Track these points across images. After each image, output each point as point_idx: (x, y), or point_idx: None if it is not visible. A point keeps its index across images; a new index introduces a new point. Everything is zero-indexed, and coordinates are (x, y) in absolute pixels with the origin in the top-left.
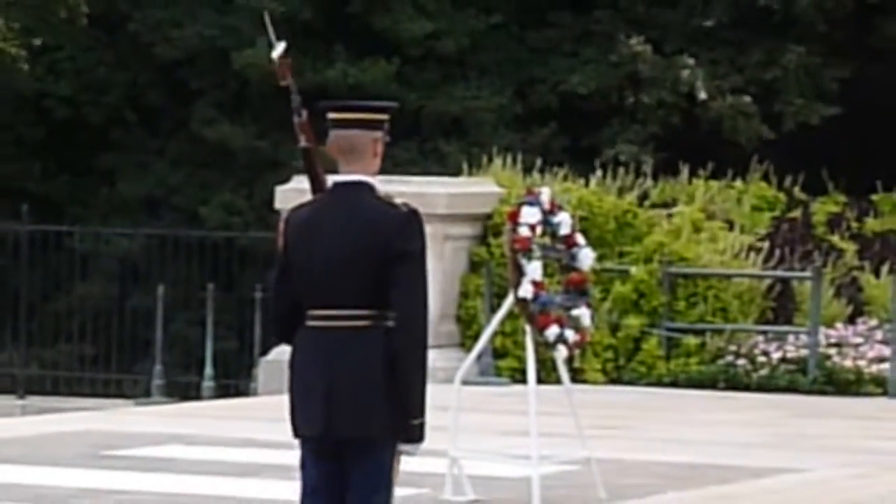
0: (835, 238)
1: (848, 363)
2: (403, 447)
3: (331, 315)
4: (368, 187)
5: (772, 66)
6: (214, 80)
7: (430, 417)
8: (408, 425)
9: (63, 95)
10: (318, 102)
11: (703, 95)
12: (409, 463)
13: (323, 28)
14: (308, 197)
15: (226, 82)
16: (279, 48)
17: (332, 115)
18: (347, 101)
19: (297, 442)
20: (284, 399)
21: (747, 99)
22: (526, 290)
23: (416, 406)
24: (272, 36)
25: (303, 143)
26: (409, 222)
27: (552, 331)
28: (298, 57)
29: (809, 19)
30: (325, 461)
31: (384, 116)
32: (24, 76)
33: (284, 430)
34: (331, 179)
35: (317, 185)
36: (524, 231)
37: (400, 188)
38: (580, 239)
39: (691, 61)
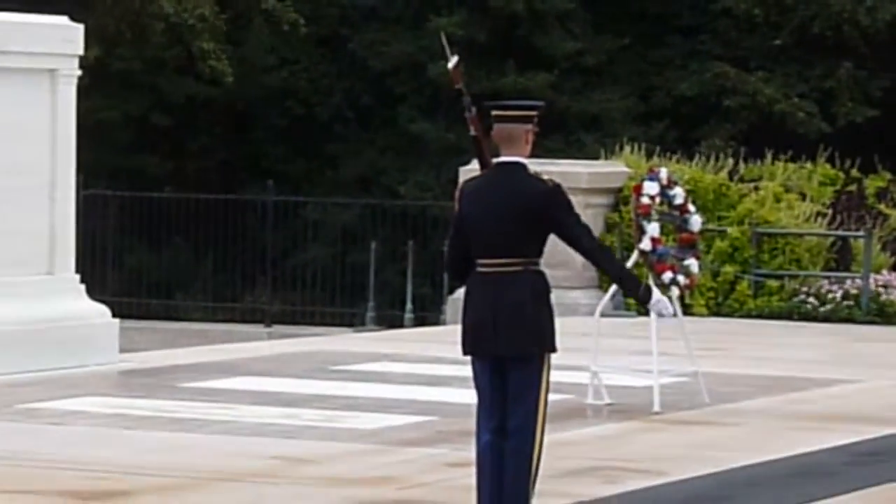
0: (882, 206)
1: (893, 299)
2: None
3: (494, 263)
4: (522, 166)
5: (829, 78)
6: (413, 87)
7: (575, 342)
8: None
9: (300, 97)
10: (484, 102)
11: (764, 100)
12: (557, 375)
13: (496, 47)
14: (477, 173)
15: (422, 88)
16: (453, 60)
17: (494, 113)
18: (506, 101)
19: (469, 359)
20: None
21: (810, 102)
22: (646, 245)
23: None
24: (447, 51)
25: (472, 132)
26: (555, 193)
27: (667, 275)
28: (477, 69)
29: (854, 43)
30: (492, 371)
31: (533, 113)
32: (230, 85)
33: None
34: (494, 160)
35: (483, 164)
36: (645, 200)
37: (553, 169)
38: (691, 207)
39: (760, 74)
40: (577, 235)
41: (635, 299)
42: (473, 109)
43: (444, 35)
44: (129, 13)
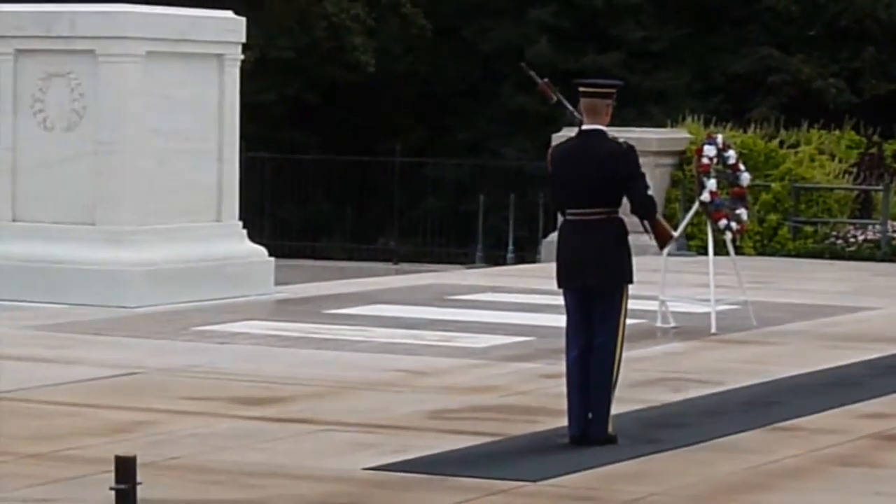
0: None
1: None
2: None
3: (581, 212)
4: (603, 133)
5: (855, 59)
6: (514, 67)
7: (646, 276)
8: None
9: (422, 77)
10: (573, 80)
11: (803, 77)
12: (631, 304)
13: (579, 33)
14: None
15: (520, 69)
16: (538, 80)
17: (581, 89)
18: (591, 80)
19: (560, 290)
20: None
21: (840, 80)
22: (706, 197)
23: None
24: (534, 76)
25: (576, 116)
26: (628, 153)
27: (722, 222)
28: (565, 52)
29: (874, 33)
30: (579, 301)
31: (612, 90)
32: (370, 73)
33: None
34: (580, 128)
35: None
36: (705, 160)
37: (628, 135)
38: (742, 166)
39: (799, 56)
40: (636, 191)
41: (657, 241)
42: (578, 116)
43: (524, 65)
44: (297, 12)
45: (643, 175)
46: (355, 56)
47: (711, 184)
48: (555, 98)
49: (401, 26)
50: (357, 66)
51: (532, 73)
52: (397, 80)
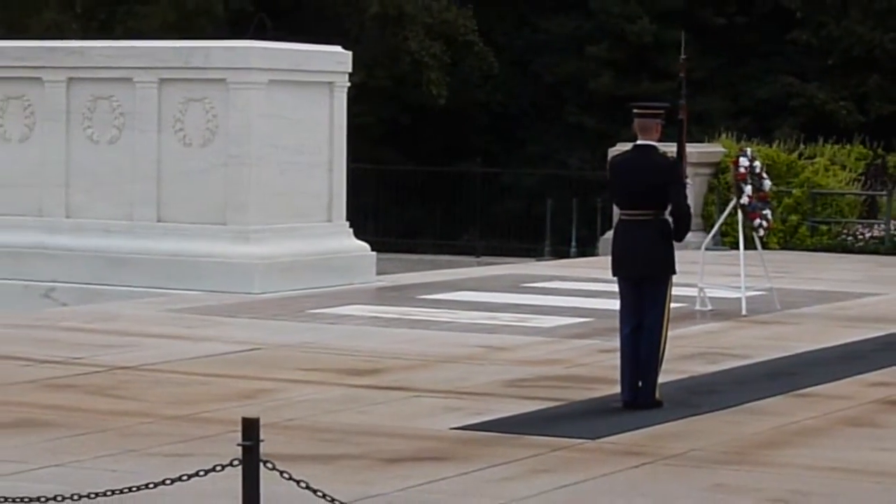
0: None
1: None
2: None
3: (633, 213)
4: (654, 148)
5: (863, 85)
6: (575, 92)
7: (687, 268)
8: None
9: (498, 100)
10: (628, 103)
11: (818, 101)
12: (675, 290)
13: (632, 64)
14: (619, 152)
15: (582, 94)
16: (682, 57)
17: (635, 110)
18: (643, 103)
19: (615, 278)
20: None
21: (850, 102)
22: (745, 200)
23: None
24: (682, 48)
25: (680, 116)
26: (674, 165)
27: (756, 221)
28: (619, 80)
29: (882, 61)
30: (631, 287)
31: (661, 111)
32: (441, 100)
33: None
34: (634, 143)
35: (681, 146)
36: (742, 169)
37: (671, 149)
38: (765, 175)
39: (815, 83)
40: (675, 195)
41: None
42: (684, 100)
43: (683, 34)
44: (388, 48)
45: (685, 186)
46: (430, 88)
47: (748, 189)
48: (682, 74)
49: (475, 61)
50: (432, 97)
51: (683, 47)
52: (477, 103)
